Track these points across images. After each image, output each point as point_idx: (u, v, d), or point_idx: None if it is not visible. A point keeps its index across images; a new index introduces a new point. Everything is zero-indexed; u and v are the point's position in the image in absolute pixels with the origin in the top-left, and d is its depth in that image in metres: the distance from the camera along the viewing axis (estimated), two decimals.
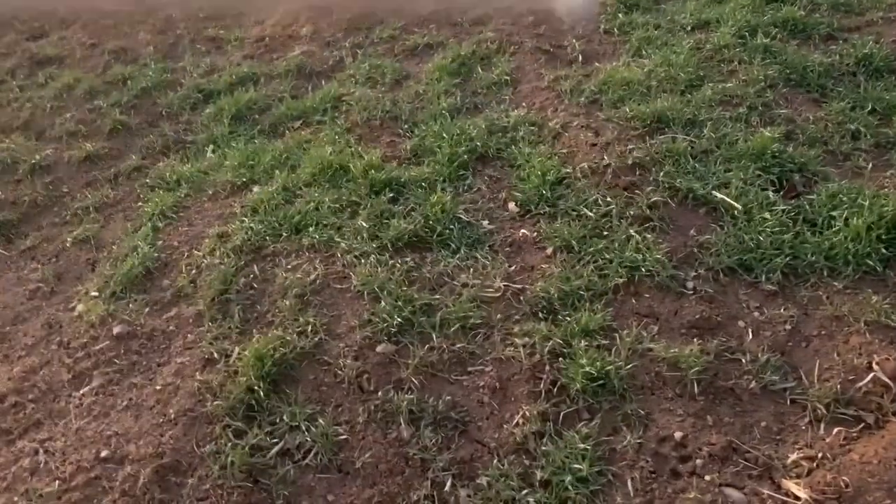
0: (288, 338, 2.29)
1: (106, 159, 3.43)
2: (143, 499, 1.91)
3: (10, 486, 1.98)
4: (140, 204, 3.09)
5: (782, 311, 2.29)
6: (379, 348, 2.27)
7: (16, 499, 1.94)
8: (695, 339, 2.21)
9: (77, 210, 3.11)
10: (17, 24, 4.85)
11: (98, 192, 3.20)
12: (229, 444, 2.01)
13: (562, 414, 2.04)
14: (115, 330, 2.44)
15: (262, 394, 2.13)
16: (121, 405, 2.19)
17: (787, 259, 2.43)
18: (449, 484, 1.92)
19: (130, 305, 2.54)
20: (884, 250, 2.39)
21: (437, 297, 2.41)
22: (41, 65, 4.30)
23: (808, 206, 2.62)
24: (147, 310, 2.52)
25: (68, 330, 2.49)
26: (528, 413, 2.04)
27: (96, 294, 2.60)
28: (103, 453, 2.03)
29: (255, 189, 3.06)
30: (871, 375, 2.05)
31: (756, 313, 2.30)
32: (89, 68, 4.21)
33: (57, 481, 1.97)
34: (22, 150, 3.48)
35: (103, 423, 2.13)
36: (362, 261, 2.57)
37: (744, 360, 2.15)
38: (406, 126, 3.38)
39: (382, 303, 2.39)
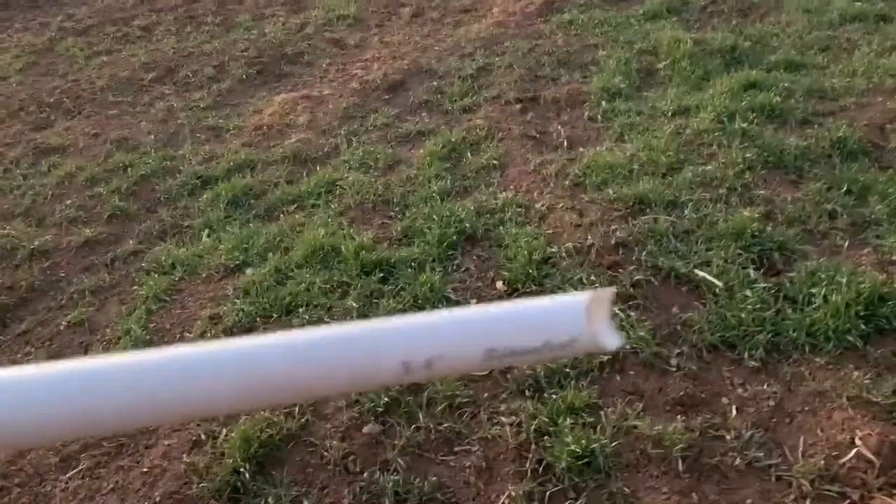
0: (275, 419, 2.31)
1: (104, 244, 3.51)
2: None
3: None
4: (135, 287, 3.14)
5: (766, 387, 2.32)
6: (365, 429, 2.28)
7: None
8: (679, 416, 2.23)
9: (73, 294, 3.16)
10: (23, 114, 5.03)
11: (95, 276, 3.26)
12: None
13: (548, 493, 2.03)
14: None
15: (247, 476, 2.13)
16: (107, 488, 2.18)
17: (770, 336, 2.47)
18: None
19: None
20: (863, 326, 2.43)
21: None
22: (45, 154, 4.44)
23: (788, 284, 2.67)
24: None
25: None
26: (514, 493, 2.03)
27: None
28: None
29: (248, 271, 3.12)
30: (855, 451, 2.06)
31: (740, 390, 2.33)
32: (91, 157, 4.35)
33: None
34: (22, 235, 3.57)
35: None
36: None
37: (728, 437, 2.16)
38: (397, 209, 3.47)
39: None
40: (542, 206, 3.30)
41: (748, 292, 2.63)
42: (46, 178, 4.11)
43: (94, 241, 3.52)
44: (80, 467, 2.27)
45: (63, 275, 3.32)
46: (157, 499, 2.10)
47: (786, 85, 4.10)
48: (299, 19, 6.40)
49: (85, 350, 2.82)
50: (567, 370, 2.40)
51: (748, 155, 3.45)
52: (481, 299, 2.82)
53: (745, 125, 3.70)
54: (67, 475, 2.25)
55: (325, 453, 2.21)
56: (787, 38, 4.79)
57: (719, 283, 2.69)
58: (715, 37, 4.82)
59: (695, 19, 5.37)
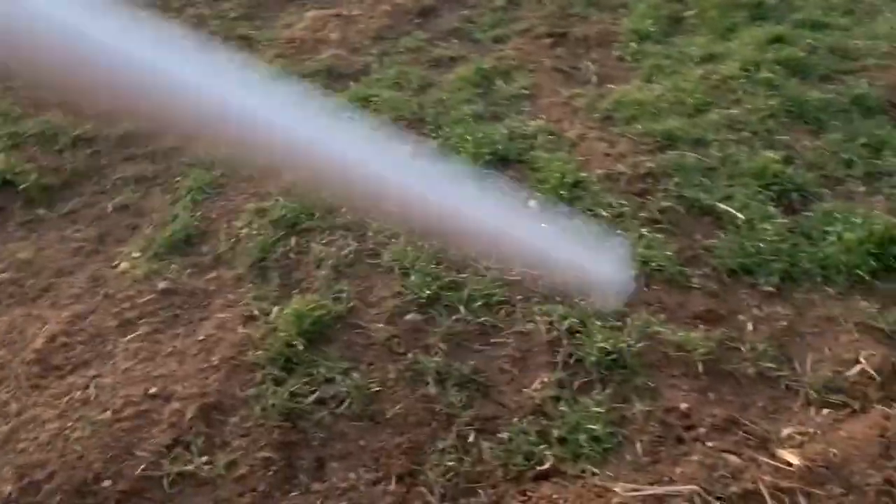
0: (324, 302, 2.47)
1: (143, 137, 3.59)
2: (189, 431, 2.07)
3: (63, 413, 2.12)
4: (178, 179, 3.25)
5: (779, 310, 2.50)
6: (408, 317, 2.45)
7: (69, 424, 2.08)
8: (700, 327, 2.41)
9: (116, 181, 3.26)
10: None
11: (137, 166, 3.36)
12: (270, 390, 2.17)
13: (577, 382, 2.22)
14: (159, 286, 2.59)
15: (300, 348, 2.30)
16: (166, 351, 2.34)
17: (785, 265, 2.65)
18: (472, 436, 2.09)
19: (172, 266, 2.69)
20: (873, 262, 2.61)
21: (463, 275, 2.60)
22: None
23: (804, 222, 2.85)
24: (188, 271, 2.68)
25: (113, 284, 2.64)
26: (546, 380, 2.22)
27: (138, 255, 2.76)
28: (151, 390, 2.18)
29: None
30: (859, 367, 2.26)
31: (755, 310, 2.51)
32: None
33: (108, 411, 2.12)
34: (62, 123, 3.64)
35: (150, 366, 2.28)
36: (393, 240, 2.76)
37: (743, 349, 2.35)
38: (431, 127, 3.58)
39: (412, 277, 2.57)
40: (573, 135, 3.43)
41: (767, 226, 2.80)
42: None
43: (132, 133, 3.60)
44: (138, 331, 2.42)
45: (105, 162, 3.42)
46: (215, 362, 2.26)
47: (810, 42, 4.19)
48: None
49: (133, 231, 2.95)
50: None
51: (772, 103, 3.58)
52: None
53: (769, 75, 3.82)
54: (127, 337, 2.41)
55: (371, 335, 2.37)
56: None
57: (740, 216, 2.86)
58: None
59: None
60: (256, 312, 2.45)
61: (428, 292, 2.50)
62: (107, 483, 1.97)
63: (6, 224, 3.02)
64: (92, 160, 3.42)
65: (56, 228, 3.01)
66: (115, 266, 2.74)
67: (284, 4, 5.24)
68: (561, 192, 3.01)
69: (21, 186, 3.17)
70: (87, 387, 2.21)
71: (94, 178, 3.32)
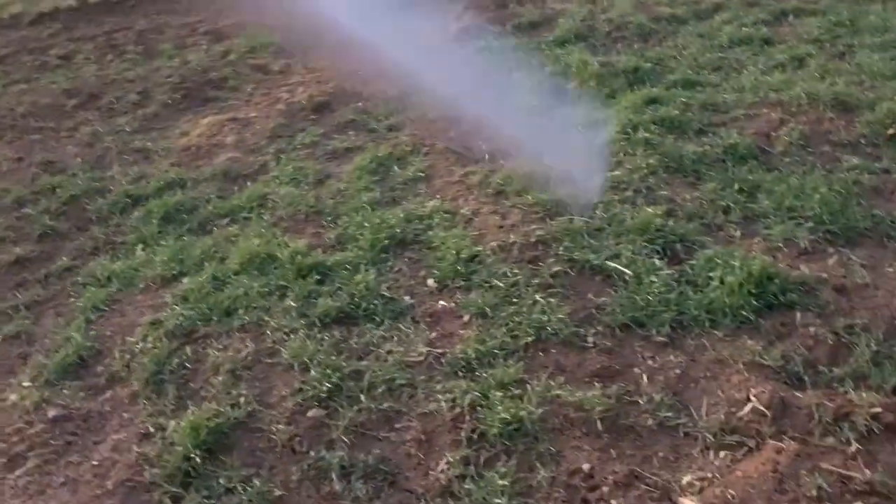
0: (222, 409, 2.42)
1: (36, 261, 3.53)
2: None
3: None
4: (72, 300, 3.19)
5: (672, 358, 2.58)
6: (310, 413, 2.43)
7: None
8: (597, 385, 2.46)
9: (7, 309, 3.18)
10: None
11: (29, 291, 3.28)
12: None
13: (482, 458, 2.22)
14: (50, 414, 2.50)
15: (198, 461, 2.24)
16: (57, 482, 2.24)
17: (674, 314, 2.74)
18: None
19: (65, 391, 2.61)
20: (754, 302, 2.74)
21: (365, 363, 2.60)
22: None
23: (689, 270, 2.97)
24: (82, 394, 2.60)
25: (1, 418, 2.53)
26: (451, 459, 2.21)
27: (29, 384, 2.67)
28: None
29: (185, 280, 3.21)
30: (750, 406, 2.33)
31: (650, 361, 2.58)
32: (16, 180, 4.34)
33: None
34: None
35: (40, 501, 2.18)
36: (292, 336, 2.75)
37: (641, 402, 2.41)
38: (329, 218, 3.63)
39: (312, 372, 2.56)
40: (468, 211, 3.53)
41: (654, 278, 2.91)
42: None
43: (25, 259, 3.53)
44: (27, 466, 2.32)
45: None
46: (110, 487, 2.18)
47: (683, 100, 4.46)
48: (222, 47, 6.49)
49: (24, 360, 2.85)
50: (496, 351, 2.61)
51: (651, 161, 3.77)
52: (414, 296, 3.00)
53: (647, 135, 4.03)
54: (15, 473, 2.30)
55: (272, 437, 2.33)
56: (683, 59, 5.20)
57: (628, 272, 2.96)
58: (619, 59, 5.20)
59: (601, 44, 5.73)
60: (152, 429, 2.39)
61: (328, 385, 2.49)
62: None
63: None
64: None
65: None
66: (4, 399, 2.64)
67: (181, 113, 5.30)
68: (457, 267, 3.07)
69: None
70: None
71: None
